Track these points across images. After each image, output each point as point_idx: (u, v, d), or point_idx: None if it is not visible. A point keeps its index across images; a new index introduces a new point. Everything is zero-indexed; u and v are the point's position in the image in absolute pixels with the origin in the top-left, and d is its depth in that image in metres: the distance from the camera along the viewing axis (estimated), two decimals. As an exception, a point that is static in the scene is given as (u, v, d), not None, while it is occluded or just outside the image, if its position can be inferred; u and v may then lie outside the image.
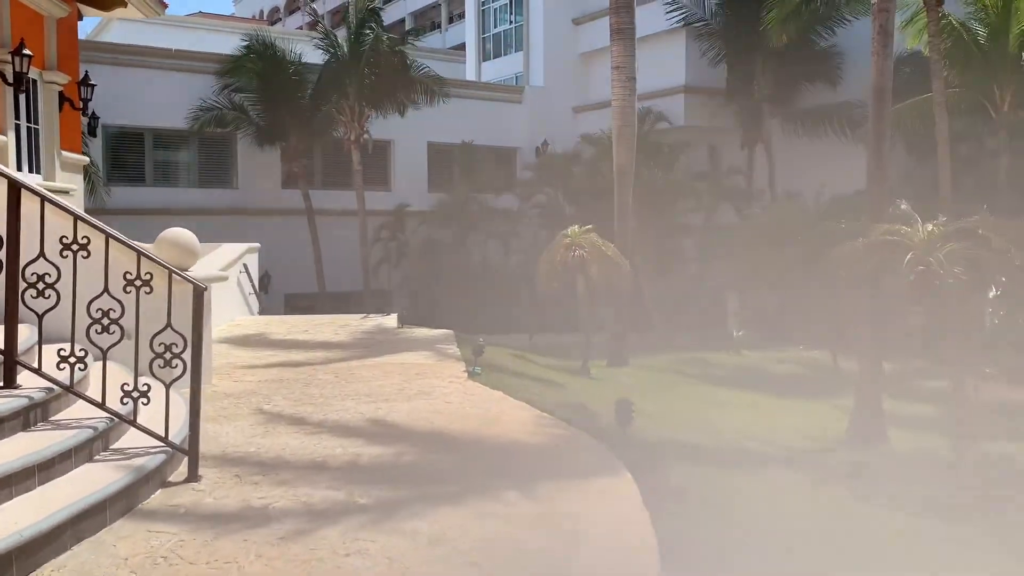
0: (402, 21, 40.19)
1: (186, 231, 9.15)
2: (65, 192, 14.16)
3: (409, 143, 25.96)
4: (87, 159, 16.22)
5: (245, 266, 15.37)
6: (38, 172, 13.89)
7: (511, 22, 30.24)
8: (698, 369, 15.08)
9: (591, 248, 11.74)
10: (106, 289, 5.65)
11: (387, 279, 24.96)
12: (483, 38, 31.42)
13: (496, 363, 11.12)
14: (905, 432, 10.03)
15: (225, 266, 13.68)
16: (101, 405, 5.62)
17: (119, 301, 5.63)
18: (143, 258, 5.79)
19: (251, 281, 15.72)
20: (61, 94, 14.21)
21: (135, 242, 7.82)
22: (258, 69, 22.73)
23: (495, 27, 31.22)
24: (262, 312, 17.05)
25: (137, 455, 5.60)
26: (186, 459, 5.84)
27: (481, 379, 9.64)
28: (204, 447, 6.56)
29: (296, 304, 24.79)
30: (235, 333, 12.91)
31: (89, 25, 38.40)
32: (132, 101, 22.73)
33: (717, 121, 24.61)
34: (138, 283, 5.67)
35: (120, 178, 23.16)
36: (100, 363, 5.76)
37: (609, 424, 7.67)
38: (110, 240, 5.76)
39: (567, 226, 26.04)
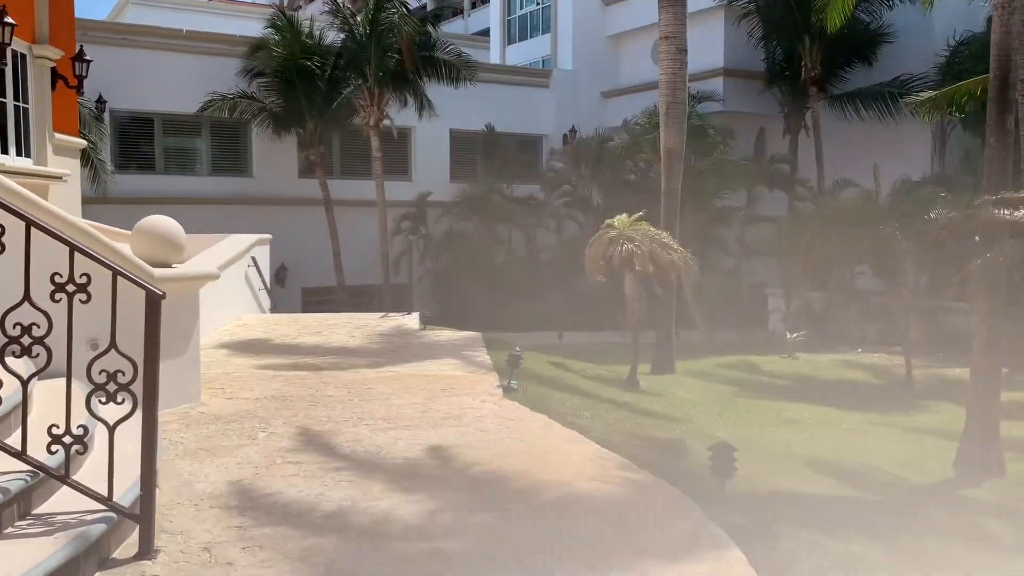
0: (423, 7, 38.52)
1: (167, 220, 7.54)
2: (57, 177, 12.65)
3: (430, 130, 24.28)
4: (84, 143, 14.67)
5: (254, 259, 13.80)
6: (27, 155, 12.38)
7: (538, 3, 28.44)
8: (750, 376, 13.38)
9: (643, 241, 10.04)
10: (27, 297, 4.04)
11: (408, 273, 23.34)
12: (508, 20, 29.62)
13: (532, 371, 9.50)
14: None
15: (227, 261, 12.09)
16: (20, 455, 4.02)
17: (44, 313, 4.01)
18: (78, 253, 4.15)
19: (261, 275, 14.15)
20: (54, 71, 12.70)
21: (91, 229, 6.23)
22: (279, 50, 21.12)
23: (521, 8, 29.41)
24: (274, 309, 15.48)
25: (68, 524, 3.98)
26: (137, 528, 4.23)
27: (518, 395, 8.00)
28: (173, 496, 4.97)
29: (313, 298, 23.26)
30: (239, 336, 11.33)
31: (106, 9, 37.01)
32: (141, 85, 21.22)
33: (758, 107, 22.78)
34: (71, 288, 4.04)
35: (128, 165, 21.66)
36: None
37: (688, 465, 6.01)
38: (32, 227, 4.10)
39: (596, 218, 24.63)
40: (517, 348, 8.67)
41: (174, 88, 21.52)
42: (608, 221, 10.53)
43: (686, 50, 12.98)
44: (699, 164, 18.33)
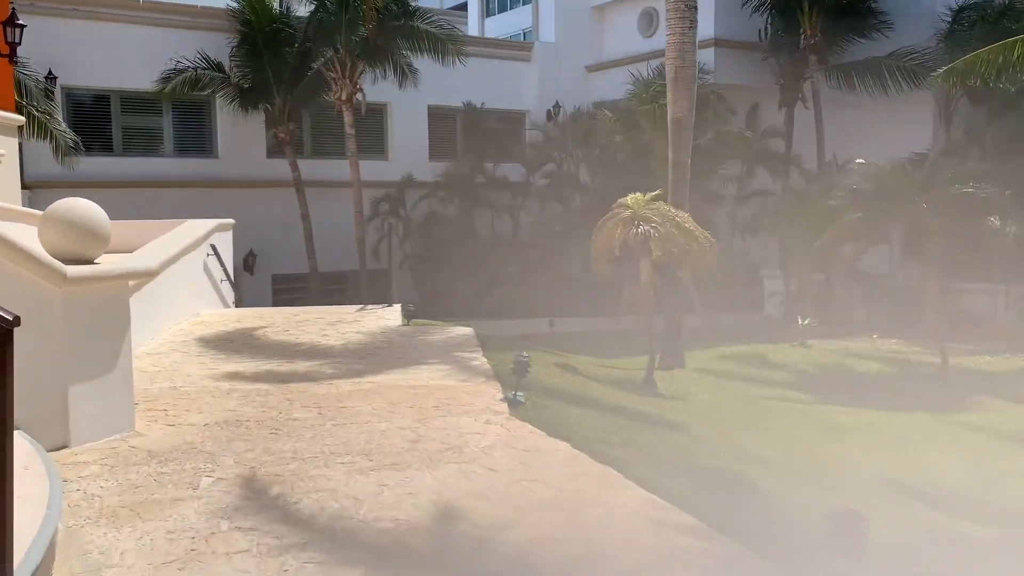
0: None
1: (86, 204, 5.85)
2: (-11, 157, 10.94)
3: (407, 106, 22.52)
4: (21, 118, 12.84)
5: (213, 247, 12.10)
6: (-54, 132, 10.65)
7: (518, -28, 26.68)
8: (765, 370, 11.93)
9: (662, 222, 8.47)
10: None
11: (386, 258, 21.67)
12: (487, -9, 27.86)
13: (536, 374, 7.98)
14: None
15: (181, 250, 10.41)
16: None
17: None
18: None
19: (222, 265, 12.45)
20: (-20, 36, 10.94)
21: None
22: (242, 20, 19.23)
23: (500, -22, 27.65)
24: (241, 301, 13.79)
25: None
26: None
27: (527, 411, 6.45)
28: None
29: (284, 286, 21.52)
30: (195, 335, 9.67)
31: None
32: (96, 60, 19.28)
33: (750, 78, 21.23)
34: None
35: (84, 146, 19.70)
36: None
37: (770, 517, 4.50)
38: None
39: (584, 197, 23.01)
40: (524, 354, 7.10)
41: (132, 63, 19.58)
42: (621, 200, 8.94)
43: (696, 7, 11.38)
44: (697, 136, 16.74)
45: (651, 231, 8.34)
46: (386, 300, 22.56)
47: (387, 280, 22.35)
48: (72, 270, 5.38)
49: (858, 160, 15.87)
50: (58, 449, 5.28)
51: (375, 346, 9.08)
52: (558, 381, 8.22)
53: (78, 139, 16.79)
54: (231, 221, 13.61)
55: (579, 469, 5.12)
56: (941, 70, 13.40)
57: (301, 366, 8.02)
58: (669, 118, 11.37)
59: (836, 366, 12.10)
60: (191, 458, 5.26)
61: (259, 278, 20.97)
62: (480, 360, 8.28)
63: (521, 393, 6.86)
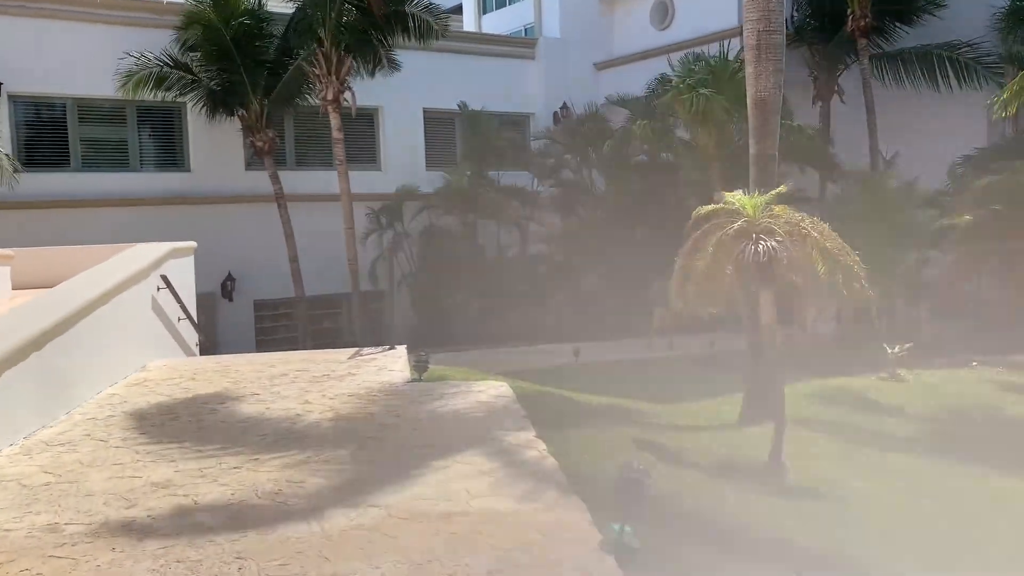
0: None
1: None
2: None
3: (400, 110, 19.55)
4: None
5: (164, 278, 9.07)
6: None
7: (518, -37, 23.73)
8: (876, 417, 8.97)
9: (791, 236, 5.49)
10: None
11: (381, 279, 18.68)
12: (483, -16, 24.85)
13: (598, 451, 5.08)
14: None
15: (109, 289, 7.40)
16: None
17: None
18: None
19: (179, 301, 9.41)
20: None
21: None
22: (207, 17, 16.22)
23: (498, -30, 24.68)
24: (205, 346, 10.77)
25: None
26: None
27: (647, 565, 3.50)
28: None
29: (268, 312, 18.46)
30: (131, 404, 6.64)
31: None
32: (48, 63, 16.23)
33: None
34: None
35: (35, 161, 16.62)
36: None
37: None
38: None
39: (598, 207, 19.97)
40: (638, 463, 4.14)
41: (90, 67, 16.54)
42: (725, 199, 5.92)
43: (780, -45, 8.54)
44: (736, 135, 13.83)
45: (776, 249, 5.41)
46: (382, 327, 19.64)
47: (383, 303, 19.35)
48: None
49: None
50: None
51: (376, 422, 6.07)
52: (656, 477, 5.24)
53: (11, 156, 13.70)
54: (191, 244, 10.58)
55: None
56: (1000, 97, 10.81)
57: (266, 470, 5.00)
58: (750, 99, 8.49)
59: (952, 406, 9.18)
60: None
61: (239, 305, 17.91)
62: (538, 449, 5.29)
63: (629, 528, 3.91)
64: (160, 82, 16.05)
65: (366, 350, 8.93)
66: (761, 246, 5.57)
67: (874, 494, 5.67)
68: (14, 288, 8.99)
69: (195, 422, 6.16)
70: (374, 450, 5.39)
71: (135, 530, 4.12)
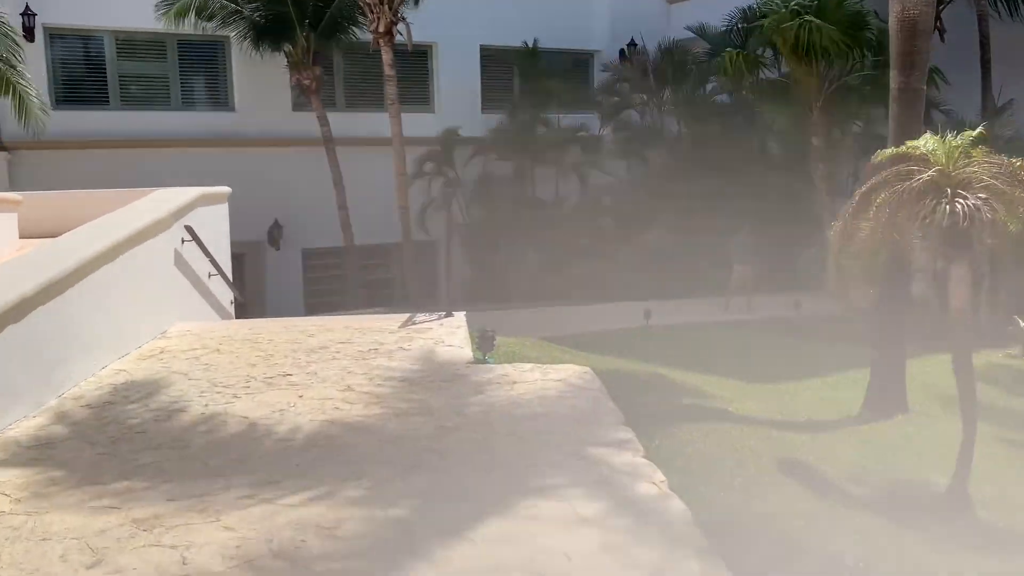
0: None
1: None
2: None
3: (456, 47, 17.81)
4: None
5: (189, 229, 7.69)
6: None
7: None
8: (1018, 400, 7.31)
9: (1002, 188, 3.85)
10: None
11: (433, 227, 17.22)
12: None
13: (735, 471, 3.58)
14: None
15: (118, 242, 6.04)
16: None
17: None
18: None
19: (208, 255, 8.06)
20: None
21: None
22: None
23: None
24: (240, 302, 9.46)
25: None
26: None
27: None
28: None
29: (316, 262, 17.17)
30: (118, 392, 5.30)
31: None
32: (85, -7, 14.90)
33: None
34: None
35: (71, 99, 15.40)
36: None
37: None
38: None
39: (669, 154, 18.01)
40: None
41: (129, -2, 15.18)
42: (909, 143, 4.25)
43: None
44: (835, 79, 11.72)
45: (981, 209, 3.77)
46: (435, 279, 18.26)
47: (435, 254, 17.92)
48: None
49: None
50: None
51: (437, 423, 4.61)
52: (813, 521, 3.71)
53: (38, 97, 12.36)
54: (225, 190, 9.17)
55: None
56: None
57: (287, 505, 3.57)
58: (893, 20, 6.68)
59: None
60: None
61: (286, 254, 16.63)
62: (652, 476, 3.80)
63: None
64: (201, 11, 14.56)
65: (420, 317, 7.48)
66: (960, 205, 3.91)
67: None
68: (22, 237, 7.71)
69: (205, 420, 4.79)
70: (431, 472, 3.94)
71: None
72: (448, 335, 6.79)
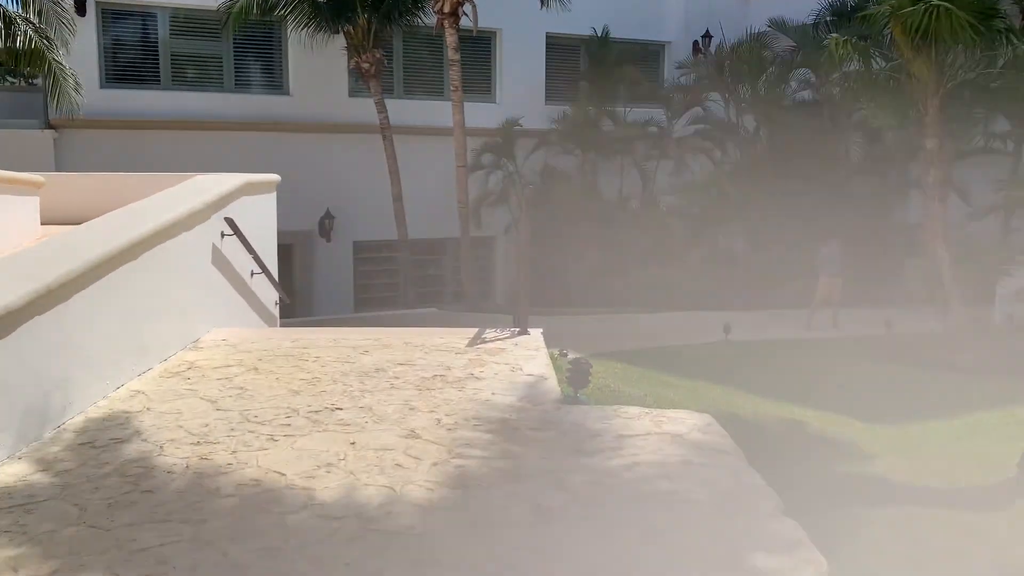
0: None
1: None
2: None
3: (521, 34, 16.61)
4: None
5: (230, 222, 6.58)
6: None
7: None
8: None
9: None
10: None
11: (491, 223, 16.06)
12: None
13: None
14: None
15: (161, 229, 4.93)
16: None
17: None
18: None
19: (251, 252, 6.96)
20: None
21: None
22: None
23: None
24: (286, 302, 8.36)
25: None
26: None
27: None
28: None
29: (367, 256, 16.14)
30: (129, 424, 4.18)
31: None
32: (139, -33, 14.03)
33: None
34: None
35: (122, 77, 14.54)
36: None
37: None
38: None
39: (743, 152, 16.27)
40: None
41: (184, -27, 14.26)
42: None
43: None
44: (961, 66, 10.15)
45: None
46: (490, 280, 17.02)
47: (489, 251, 16.77)
48: None
49: None
50: None
51: (532, 500, 3.36)
52: None
53: (84, 77, 11.42)
54: (273, 178, 8.05)
55: None
56: None
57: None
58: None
59: None
60: None
61: (337, 245, 15.63)
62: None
63: None
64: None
65: (489, 333, 6.27)
66: None
67: None
68: (46, 223, 6.69)
69: (230, 475, 3.63)
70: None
71: None
72: (526, 360, 5.56)
